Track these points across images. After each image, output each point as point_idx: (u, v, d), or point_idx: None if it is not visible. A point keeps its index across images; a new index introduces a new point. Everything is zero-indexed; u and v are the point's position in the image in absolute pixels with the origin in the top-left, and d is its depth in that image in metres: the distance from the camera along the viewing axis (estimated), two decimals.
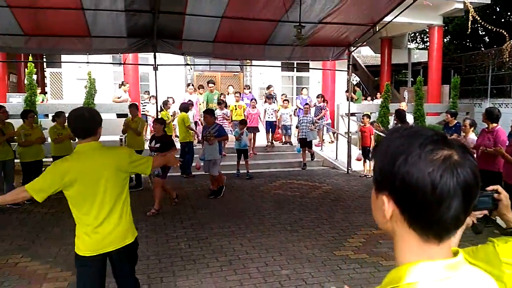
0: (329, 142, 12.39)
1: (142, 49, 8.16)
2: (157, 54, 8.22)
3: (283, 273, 4.36)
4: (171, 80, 12.72)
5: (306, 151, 10.33)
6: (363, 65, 19.60)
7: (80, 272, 2.78)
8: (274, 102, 11.62)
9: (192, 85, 11.71)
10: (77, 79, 12.84)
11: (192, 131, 9.46)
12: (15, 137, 6.88)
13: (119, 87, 11.07)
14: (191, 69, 9.64)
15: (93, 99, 9.90)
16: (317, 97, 12.35)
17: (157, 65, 8.26)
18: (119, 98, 10.71)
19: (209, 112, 7.59)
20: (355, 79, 19.02)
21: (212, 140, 7.15)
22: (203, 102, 11.25)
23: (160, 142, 6.59)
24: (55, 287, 4.01)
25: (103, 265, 2.79)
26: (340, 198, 7.50)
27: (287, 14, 6.70)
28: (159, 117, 8.22)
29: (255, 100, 11.32)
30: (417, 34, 24.33)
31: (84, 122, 2.68)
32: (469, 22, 12.50)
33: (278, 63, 13.22)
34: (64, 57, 11.76)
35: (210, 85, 11.45)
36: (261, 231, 5.64)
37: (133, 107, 8.32)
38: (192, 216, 6.34)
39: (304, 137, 10.06)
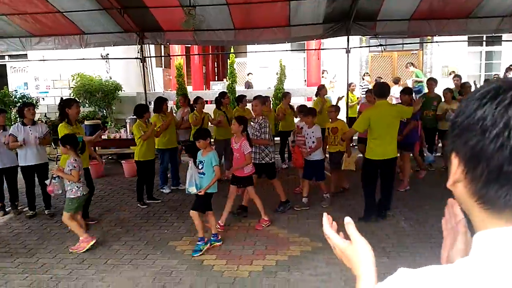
0: None
1: (336, 33, 8.37)
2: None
3: None
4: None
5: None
6: None
7: (368, 170, 5.14)
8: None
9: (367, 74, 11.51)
10: (260, 67, 13.97)
11: None
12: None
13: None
14: (383, 49, 9.50)
15: (283, 84, 10.60)
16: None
17: (350, 48, 8.40)
18: None
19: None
20: None
21: None
22: None
23: None
24: (301, 249, 4.52)
25: (378, 167, 5.05)
26: None
27: None
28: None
29: None
30: None
31: (383, 88, 5.17)
32: None
33: (465, 37, 12.06)
34: (249, 47, 12.85)
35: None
36: None
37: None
38: (400, 196, 6.32)
39: None
